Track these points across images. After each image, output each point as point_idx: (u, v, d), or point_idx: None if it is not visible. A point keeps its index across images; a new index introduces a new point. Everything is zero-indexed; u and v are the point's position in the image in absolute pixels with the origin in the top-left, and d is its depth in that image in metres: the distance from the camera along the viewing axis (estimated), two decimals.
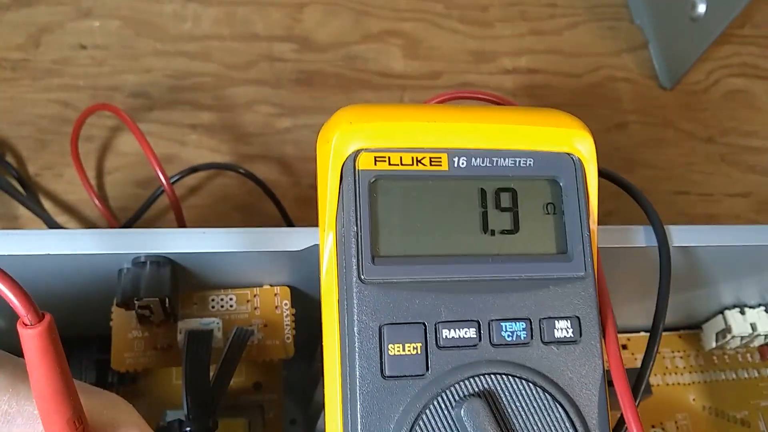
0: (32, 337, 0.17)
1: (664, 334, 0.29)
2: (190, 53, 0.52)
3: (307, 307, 0.33)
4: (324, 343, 0.24)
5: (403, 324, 0.23)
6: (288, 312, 0.32)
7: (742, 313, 0.41)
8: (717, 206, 0.55)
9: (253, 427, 0.34)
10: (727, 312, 0.41)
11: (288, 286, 0.33)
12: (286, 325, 0.32)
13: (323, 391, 0.24)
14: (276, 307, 0.32)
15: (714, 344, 0.42)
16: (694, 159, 0.56)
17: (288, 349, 0.32)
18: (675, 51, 0.58)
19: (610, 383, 0.25)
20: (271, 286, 0.33)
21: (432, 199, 0.25)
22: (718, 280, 0.37)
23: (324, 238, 0.25)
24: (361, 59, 0.54)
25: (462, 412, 0.22)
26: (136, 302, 0.29)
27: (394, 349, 0.23)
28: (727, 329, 0.41)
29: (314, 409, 0.36)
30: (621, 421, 0.25)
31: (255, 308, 0.32)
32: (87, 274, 0.29)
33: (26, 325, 0.17)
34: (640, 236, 0.31)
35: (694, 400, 0.43)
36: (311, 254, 0.28)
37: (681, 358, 0.44)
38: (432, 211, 0.25)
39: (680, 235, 0.31)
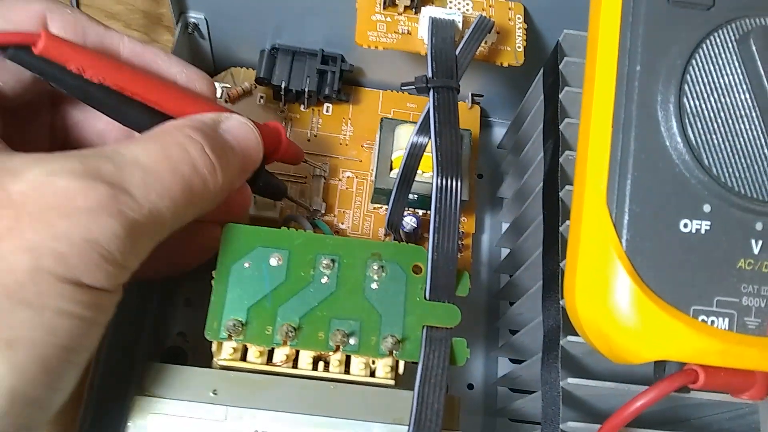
0: None
1: None
2: None
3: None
4: None
5: None
6: (521, 25, 0.33)
7: None
8: None
9: None
10: None
11: (521, 4, 0.33)
12: (518, 36, 0.33)
13: None
14: (509, 20, 0.33)
15: None
16: None
17: (518, 56, 0.32)
18: None
19: None
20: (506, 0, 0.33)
21: None
22: None
23: None
24: None
25: (752, 38, 0.22)
26: None
27: None
28: None
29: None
30: None
31: (490, 16, 0.33)
32: None
33: None
34: None
35: None
36: None
37: None
38: None
39: None
